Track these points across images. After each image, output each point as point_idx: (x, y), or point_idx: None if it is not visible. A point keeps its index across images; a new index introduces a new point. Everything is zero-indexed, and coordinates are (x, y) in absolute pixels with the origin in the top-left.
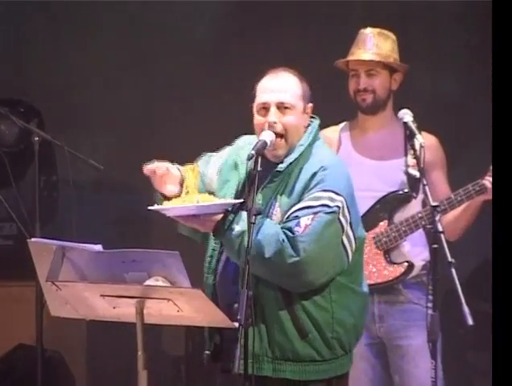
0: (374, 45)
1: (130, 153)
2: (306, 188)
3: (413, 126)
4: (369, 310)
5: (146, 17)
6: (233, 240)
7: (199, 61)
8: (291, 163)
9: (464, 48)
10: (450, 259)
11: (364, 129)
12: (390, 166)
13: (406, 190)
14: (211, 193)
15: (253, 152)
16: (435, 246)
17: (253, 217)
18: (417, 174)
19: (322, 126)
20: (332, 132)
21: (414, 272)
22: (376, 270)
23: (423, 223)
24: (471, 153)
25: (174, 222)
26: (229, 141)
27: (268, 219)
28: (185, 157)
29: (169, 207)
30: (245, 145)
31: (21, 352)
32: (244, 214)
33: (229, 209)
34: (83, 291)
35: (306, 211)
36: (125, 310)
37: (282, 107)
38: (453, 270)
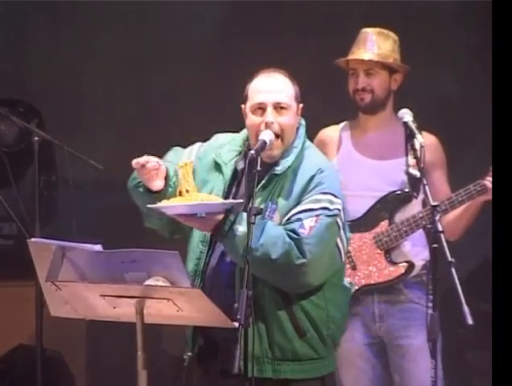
0: (374, 45)
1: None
2: (304, 191)
3: (413, 126)
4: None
5: (147, 17)
6: (237, 241)
7: (199, 61)
8: (289, 166)
9: (465, 48)
10: (450, 259)
11: (364, 128)
12: (391, 165)
13: (406, 190)
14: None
15: (252, 152)
16: (435, 246)
17: (253, 217)
18: (417, 173)
19: (322, 126)
20: (333, 131)
21: (415, 271)
22: (376, 270)
23: (423, 222)
24: (471, 154)
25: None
26: None
27: (270, 221)
28: None
29: (170, 206)
30: (223, 144)
31: (21, 352)
32: (245, 215)
33: (229, 209)
34: (83, 291)
35: (308, 213)
36: (125, 310)
37: (278, 107)
38: (453, 270)
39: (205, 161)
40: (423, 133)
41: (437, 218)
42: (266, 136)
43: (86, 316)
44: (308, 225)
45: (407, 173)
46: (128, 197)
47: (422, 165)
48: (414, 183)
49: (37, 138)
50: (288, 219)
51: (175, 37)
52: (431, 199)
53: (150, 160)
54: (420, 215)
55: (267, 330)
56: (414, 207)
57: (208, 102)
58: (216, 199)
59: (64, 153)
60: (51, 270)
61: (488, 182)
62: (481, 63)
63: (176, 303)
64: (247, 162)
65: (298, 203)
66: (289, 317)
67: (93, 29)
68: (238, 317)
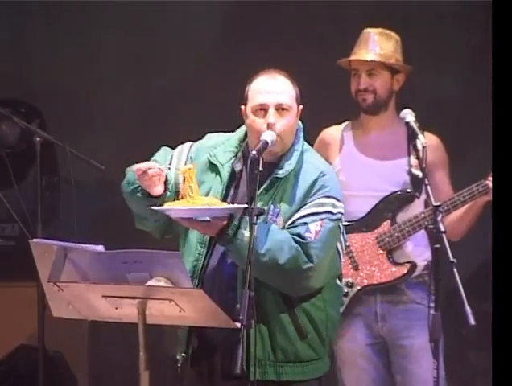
0: (376, 45)
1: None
2: (307, 194)
3: (415, 126)
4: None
5: (147, 18)
6: (242, 246)
7: (199, 62)
8: (292, 170)
9: (465, 48)
10: (452, 259)
11: (366, 129)
12: (393, 165)
13: (408, 190)
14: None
15: (254, 152)
16: (437, 246)
17: (255, 218)
18: (420, 174)
19: (324, 125)
20: (335, 131)
21: (417, 272)
22: (378, 270)
23: (426, 223)
24: (474, 154)
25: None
26: None
27: (274, 225)
28: None
29: (175, 209)
30: (216, 144)
31: (23, 353)
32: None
33: (232, 213)
34: (85, 292)
35: (313, 217)
36: (127, 311)
37: (280, 108)
38: (455, 270)
39: (198, 161)
40: (425, 133)
41: (439, 218)
42: (268, 136)
43: (88, 317)
44: (314, 229)
45: (409, 173)
46: None
47: (424, 165)
48: (417, 183)
49: (39, 139)
50: (292, 222)
51: (176, 38)
52: (433, 200)
53: (151, 166)
54: (422, 215)
55: (270, 333)
56: (417, 208)
57: (210, 103)
58: (222, 204)
59: (65, 154)
60: (53, 271)
61: (490, 182)
62: (482, 63)
63: (178, 304)
64: (249, 162)
65: (301, 207)
66: (291, 319)
67: (95, 29)
68: (240, 317)
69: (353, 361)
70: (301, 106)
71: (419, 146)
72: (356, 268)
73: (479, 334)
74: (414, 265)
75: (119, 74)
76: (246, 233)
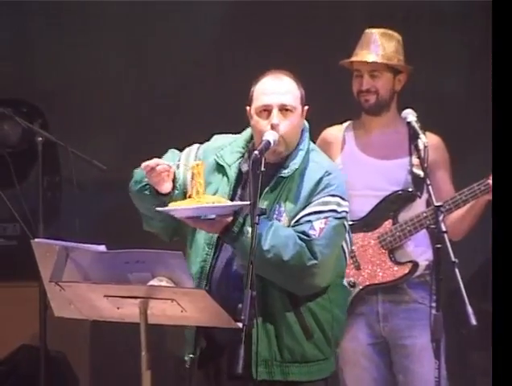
0: (378, 46)
1: (134, 153)
2: (312, 193)
3: (416, 126)
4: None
5: (148, 18)
6: (247, 243)
7: (200, 61)
8: (296, 169)
9: (466, 48)
10: (453, 259)
11: (368, 129)
12: (395, 165)
13: (410, 190)
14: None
15: (257, 152)
16: (439, 246)
17: (257, 217)
18: (421, 173)
19: (326, 125)
20: (337, 131)
21: (418, 271)
22: (380, 269)
23: (427, 222)
24: (475, 153)
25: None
26: None
27: (278, 223)
28: None
29: (179, 208)
30: (223, 145)
31: (24, 352)
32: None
33: (237, 211)
34: (86, 291)
35: (317, 215)
36: (128, 311)
37: (283, 109)
38: (457, 270)
39: (206, 162)
40: (427, 133)
41: (440, 218)
42: (271, 136)
43: (90, 316)
44: (318, 227)
45: (411, 173)
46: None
47: (425, 165)
48: (418, 183)
49: (40, 139)
50: (297, 221)
51: (177, 38)
52: (434, 199)
53: (159, 162)
54: (424, 214)
55: (276, 333)
56: (418, 207)
57: (212, 103)
58: (226, 202)
59: (67, 154)
60: (54, 271)
61: (492, 181)
62: (482, 62)
63: (180, 304)
64: (250, 162)
65: (306, 206)
66: (297, 319)
67: (96, 29)
68: (242, 317)
69: (354, 361)
70: (306, 107)
71: (421, 146)
72: (358, 267)
73: (480, 334)
74: (415, 265)
75: (120, 74)
76: (250, 230)
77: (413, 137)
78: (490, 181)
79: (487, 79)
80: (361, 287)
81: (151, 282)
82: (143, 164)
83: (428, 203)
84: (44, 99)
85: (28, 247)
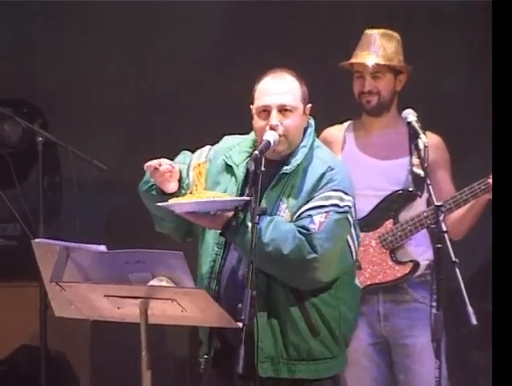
0: (379, 47)
1: (134, 153)
2: (315, 188)
3: (417, 126)
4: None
5: (148, 18)
6: (247, 238)
7: (200, 61)
8: (298, 165)
9: (467, 48)
10: (454, 258)
11: (368, 129)
12: (395, 165)
13: (410, 189)
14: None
15: (257, 152)
16: (439, 246)
17: (257, 217)
18: (422, 173)
19: (326, 125)
20: (337, 130)
21: (419, 271)
22: (381, 269)
23: (428, 222)
24: (475, 153)
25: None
26: None
27: (279, 217)
28: None
29: (179, 203)
30: (232, 145)
31: (25, 352)
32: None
33: (239, 207)
34: (87, 292)
35: (318, 210)
36: (129, 311)
37: (283, 109)
38: (457, 270)
39: (215, 163)
40: (427, 132)
41: (441, 218)
42: (270, 136)
43: (90, 316)
44: (318, 221)
45: (411, 172)
46: (132, 197)
47: (426, 164)
48: (419, 183)
49: (41, 139)
50: (298, 216)
51: (179, 38)
52: (434, 199)
53: (162, 162)
54: (425, 214)
55: (282, 330)
56: (419, 206)
57: (213, 103)
58: (225, 197)
59: (67, 154)
60: (55, 271)
61: (492, 180)
62: (482, 62)
63: (181, 304)
64: (251, 162)
65: (308, 201)
66: (303, 316)
67: (96, 29)
68: (242, 317)
69: (355, 360)
70: (309, 105)
71: (421, 146)
72: (359, 267)
73: (481, 333)
74: (416, 264)
75: (121, 74)
76: (251, 225)
77: (413, 137)
78: (490, 180)
79: (487, 79)
80: (362, 287)
81: (152, 282)
82: (146, 164)
83: (429, 202)
84: (44, 99)
85: (28, 247)
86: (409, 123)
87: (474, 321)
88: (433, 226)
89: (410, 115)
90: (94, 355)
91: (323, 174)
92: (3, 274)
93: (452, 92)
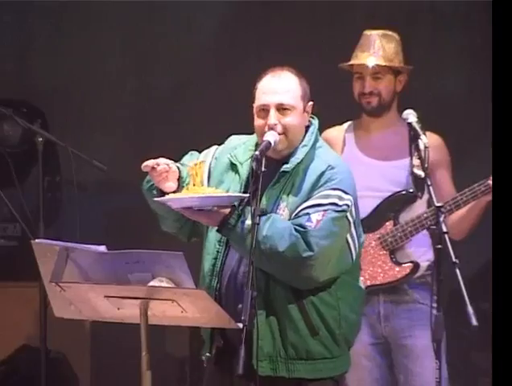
0: (379, 48)
1: (134, 153)
2: (314, 187)
3: (417, 127)
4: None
5: (148, 18)
6: (244, 235)
7: (200, 61)
8: (297, 164)
9: (467, 48)
10: (454, 259)
11: (368, 129)
12: (395, 166)
13: (411, 190)
14: None
15: (257, 153)
16: (439, 246)
17: (258, 218)
18: (422, 173)
19: (325, 126)
20: (337, 131)
21: (420, 272)
22: (381, 270)
23: (428, 223)
24: (475, 153)
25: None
26: None
27: (277, 215)
28: None
29: (176, 198)
30: (238, 145)
31: (25, 353)
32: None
33: (236, 204)
34: (87, 292)
35: (316, 208)
36: (129, 311)
37: (281, 108)
38: (457, 271)
39: (221, 162)
40: (427, 133)
41: (441, 219)
42: (271, 137)
43: (90, 317)
44: (315, 219)
45: (412, 173)
46: (131, 197)
47: (426, 165)
48: (419, 184)
49: (41, 139)
50: (297, 214)
51: (179, 37)
52: (435, 200)
53: (159, 162)
54: (425, 215)
55: (280, 329)
56: (419, 208)
57: (213, 103)
58: (222, 193)
59: (67, 154)
60: (55, 271)
61: (492, 181)
62: (482, 63)
63: (181, 304)
64: (252, 162)
65: (307, 199)
66: (302, 315)
67: (98, 29)
68: (243, 318)
69: (356, 361)
70: (310, 103)
71: (421, 146)
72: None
73: (481, 334)
74: (416, 265)
75: (120, 74)
76: (248, 221)
77: (413, 137)
78: (490, 181)
79: (487, 79)
80: None
81: (151, 283)
82: (143, 164)
83: (429, 203)
84: (44, 99)
85: (29, 247)
86: (409, 124)
87: (474, 321)
88: (433, 227)
89: (411, 115)
90: (94, 355)
91: (322, 173)
92: (3, 274)
93: (452, 92)
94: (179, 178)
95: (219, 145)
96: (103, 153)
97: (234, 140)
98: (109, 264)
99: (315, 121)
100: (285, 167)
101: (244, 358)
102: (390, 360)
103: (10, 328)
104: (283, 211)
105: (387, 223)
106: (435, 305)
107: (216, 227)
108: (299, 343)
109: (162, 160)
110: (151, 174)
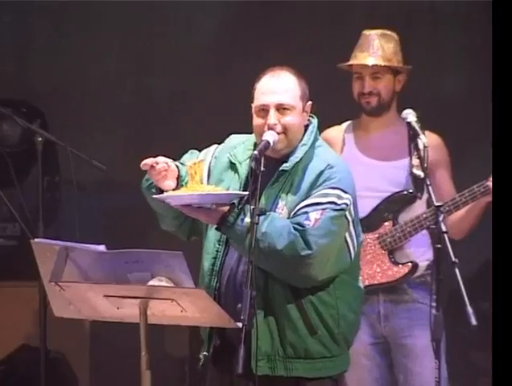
0: (378, 48)
1: (133, 153)
2: (313, 186)
3: (416, 126)
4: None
5: (148, 18)
6: (242, 233)
7: (199, 61)
8: (297, 163)
9: (467, 48)
10: (454, 259)
11: (368, 129)
12: (395, 166)
13: (410, 191)
14: None
15: (256, 152)
16: (439, 246)
17: (257, 217)
18: (421, 174)
19: (325, 126)
20: (336, 131)
21: (419, 272)
22: (380, 270)
23: (427, 223)
24: (475, 154)
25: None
26: None
27: (276, 213)
28: None
29: (174, 196)
30: (237, 144)
31: (24, 353)
32: (250, 207)
33: (235, 202)
34: (86, 291)
35: (314, 207)
36: (128, 311)
37: (281, 108)
38: (457, 270)
39: (220, 161)
40: (427, 132)
41: (441, 218)
42: (270, 136)
43: (89, 317)
44: (314, 217)
45: (411, 173)
46: (131, 197)
47: (425, 165)
48: (418, 184)
49: (40, 139)
50: (295, 212)
51: (179, 37)
52: (434, 200)
53: (158, 161)
54: (424, 215)
55: (279, 328)
56: (419, 208)
57: (212, 103)
58: (221, 191)
59: (67, 154)
60: (54, 271)
61: (491, 182)
62: (482, 63)
63: (180, 304)
64: (251, 162)
65: (306, 198)
66: (300, 314)
67: (97, 29)
68: (242, 317)
69: (355, 360)
70: (309, 102)
71: (421, 146)
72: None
73: (480, 334)
74: (415, 265)
75: (120, 74)
76: (246, 219)
77: (413, 137)
78: (489, 183)
79: (487, 79)
80: None
81: (151, 282)
82: (142, 163)
83: (428, 203)
84: (44, 99)
85: (28, 247)
86: (409, 123)
87: (474, 321)
88: (433, 226)
89: (410, 115)
90: (94, 355)
91: (321, 172)
92: (3, 274)
93: (452, 92)
94: (178, 177)
95: (219, 144)
96: (102, 153)
97: (234, 139)
98: (109, 263)
99: (315, 120)
100: (284, 166)
101: (243, 357)
102: (390, 360)
103: (9, 328)
104: (282, 209)
105: (386, 224)
106: (434, 304)
107: (215, 225)
108: (297, 342)
109: (161, 158)
110: (150, 172)
